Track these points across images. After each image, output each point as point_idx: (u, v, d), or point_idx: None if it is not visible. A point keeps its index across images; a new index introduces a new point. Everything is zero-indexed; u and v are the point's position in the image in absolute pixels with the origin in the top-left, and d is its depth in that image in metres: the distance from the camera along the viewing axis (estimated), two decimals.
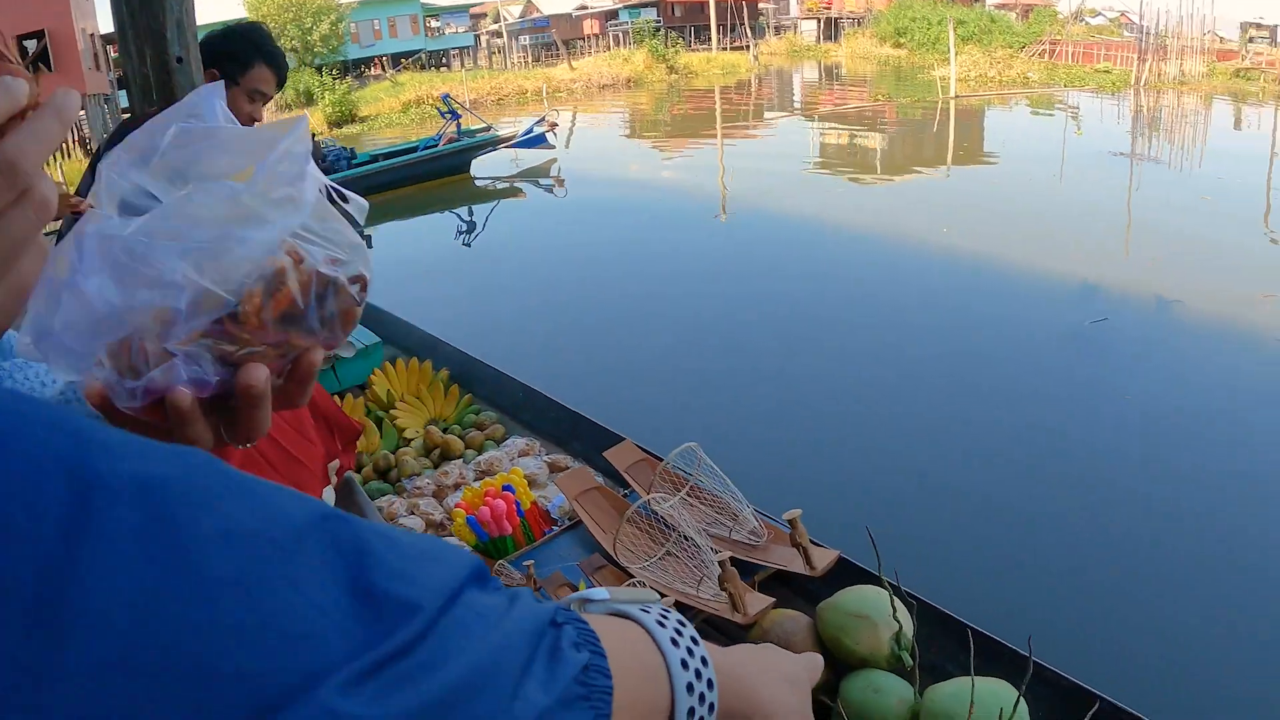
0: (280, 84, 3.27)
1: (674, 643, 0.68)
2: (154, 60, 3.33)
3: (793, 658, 0.86)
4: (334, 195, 0.67)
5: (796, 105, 30.13)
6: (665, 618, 0.71)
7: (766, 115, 26.85)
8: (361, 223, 0.67)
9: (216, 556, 0.45)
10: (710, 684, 0.69)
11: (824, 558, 2.52)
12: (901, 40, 48.12)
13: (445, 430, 4.35)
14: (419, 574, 0.52)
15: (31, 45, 28.44)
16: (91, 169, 3.09)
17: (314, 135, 17.26)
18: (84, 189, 3.07)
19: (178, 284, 0.55)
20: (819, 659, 0.91)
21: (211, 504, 0.46)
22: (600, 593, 0.73)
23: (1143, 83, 27.35)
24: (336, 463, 1.97)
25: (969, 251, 9.93)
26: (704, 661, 0.69)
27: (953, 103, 24.68)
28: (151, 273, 0.55)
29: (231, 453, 1.52)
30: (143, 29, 3.40)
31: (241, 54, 3.19)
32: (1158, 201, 12.17)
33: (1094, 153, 16.15)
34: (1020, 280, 8.94)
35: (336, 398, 4.59)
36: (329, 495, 1.99)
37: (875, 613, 2.28)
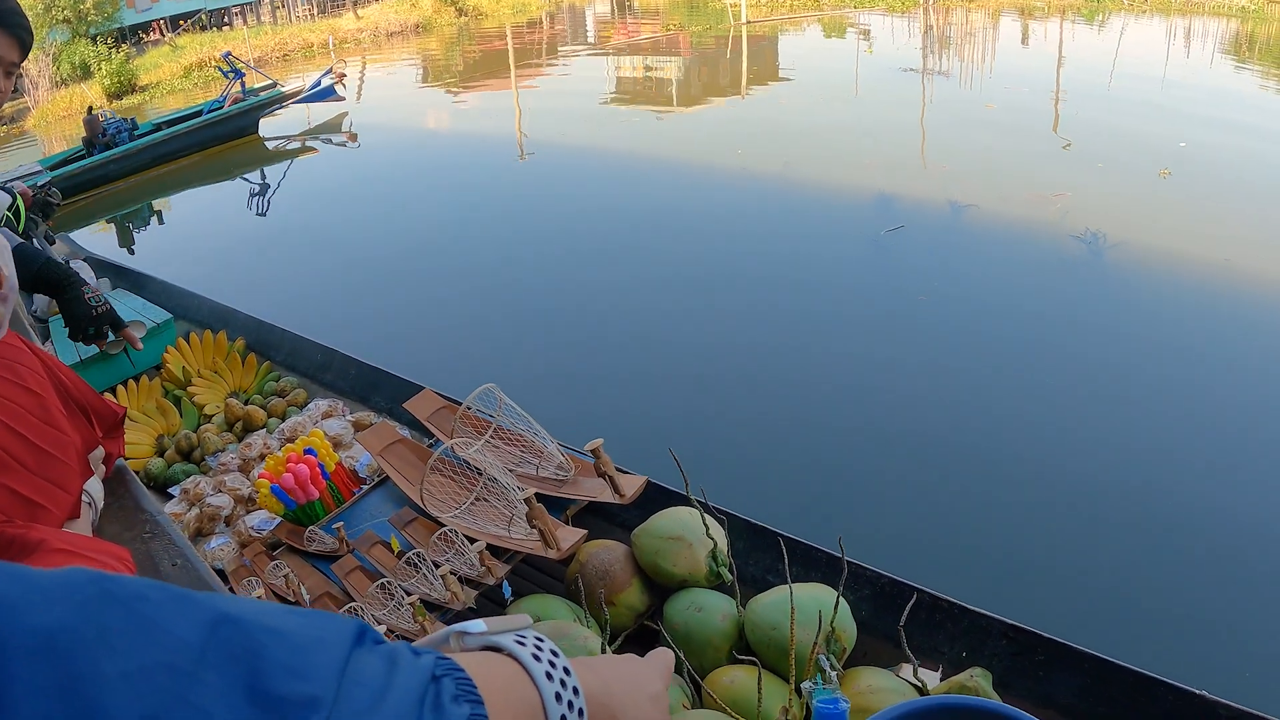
0: (23, 48, 3.02)
1: (548, 677, 0.71)
2: None
3: (651, 670, 0.89)
4: None
5: (590, 40, 29.96)
6: (539, 648, 0.73)
7: (560, 52, 26.62)
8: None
9: (124, 699, 0.46)
10: (581, 713, 0.72)
11: (632, 484, 2.51)
12: None
13: (246, 402, 4.21)
14: (310, 664, 0.53)
15: None
16: None
17: (91, 109, 16.43)
18: None
19: None
20: (670, 658, 0.95)
21: (111, 644, 0.47)
22: (477, 625, 0.74)
23: (931, 1, 28.04)
24: (100, 451, 1.84)
25: (767, 173, 10.06)
26: (575, 692, 0.72)
27: (745, 29, 24.88)
28: None
29: None
30: None
31: None
32: (950, 114, 12.53)
33: (886, 70, 16.51)
34: (818, 196, 9.11)
35: (132, 381, 4.38)
36: (95, 486, 1.87)
37: (689, 533, 2.28)
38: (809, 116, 13.23)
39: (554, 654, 0.73)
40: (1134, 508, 4.20)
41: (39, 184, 6.23)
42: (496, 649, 0.73)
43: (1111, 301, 6.19)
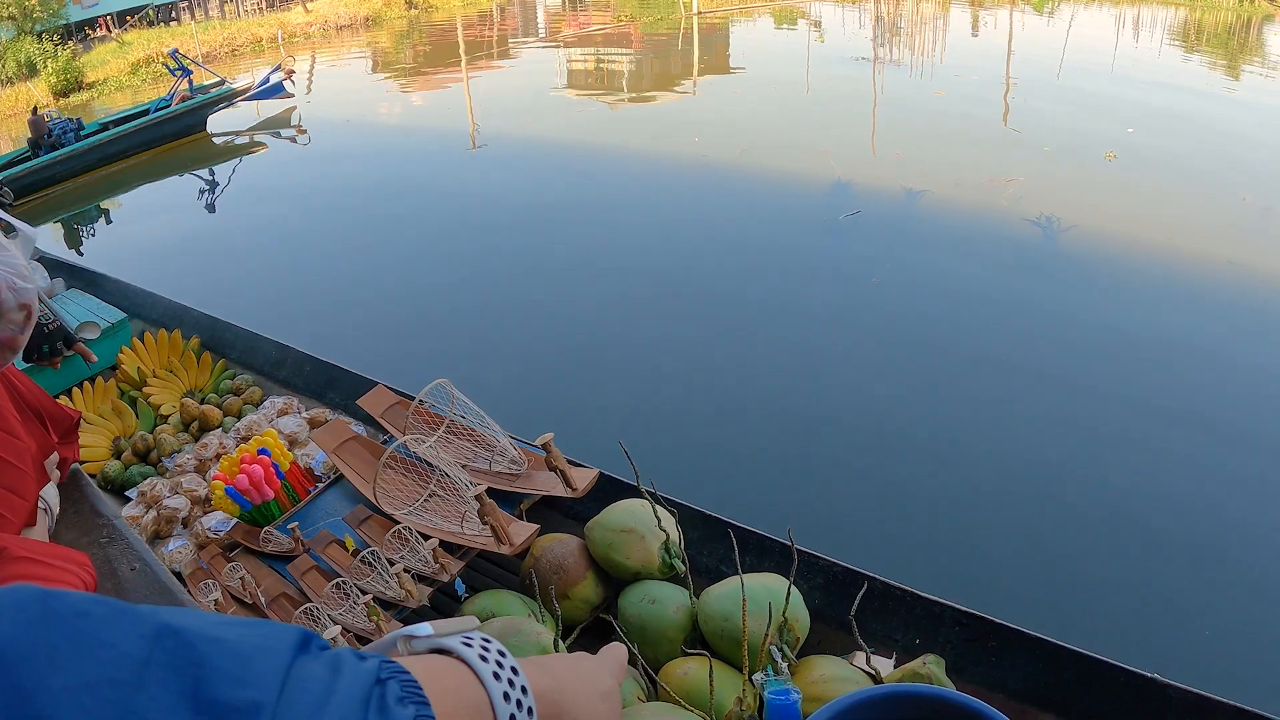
0: None
1: (495, 676, 0.72)
2: None
3: (603, 667, 0.90)
4: (6, 225, 0.66)
5: (541, 33, 29.88)
6: (486, 649, 0.74)
7: (511, 44, 26.51)
8: (28, 256, 0.65)
9: (69, 713, 0.47)
10: (530, 711, 0.73)
11: (584, 477, 2.52)
12: None
13: (202, 401, 4.18)
14: (251, 671, 0.54)
15: None
16: None
17: (36, 108, 16.19)
18: None
19: None
20: (623, 653, 0.96)
21: (55, 659, 0.48)
22: (424, 628, 0.75)
23: None
24: (55, 456, 1.84)
25: (721, 161, 10.09)
26: (524, 690, 0.73)
27: (696, 20, 24.90)
28: None
29: None
30: None
31: None
32: (901, 103, 12.62)
33: (838, 60, 16.60)
34: (773, 184, 9.15)
35: (87, 383, 4.34)
36: (51, 492, 1.86)
37: (641, 525, 2.29)
38: (762, 106, 13.29)
39: (501, 654, 0.74)
40: (1084, 493, 4.28)
41: None
42: (444, 651, 0.74)
43: (1064, 284, 6.28)
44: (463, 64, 22.70)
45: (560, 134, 12.92)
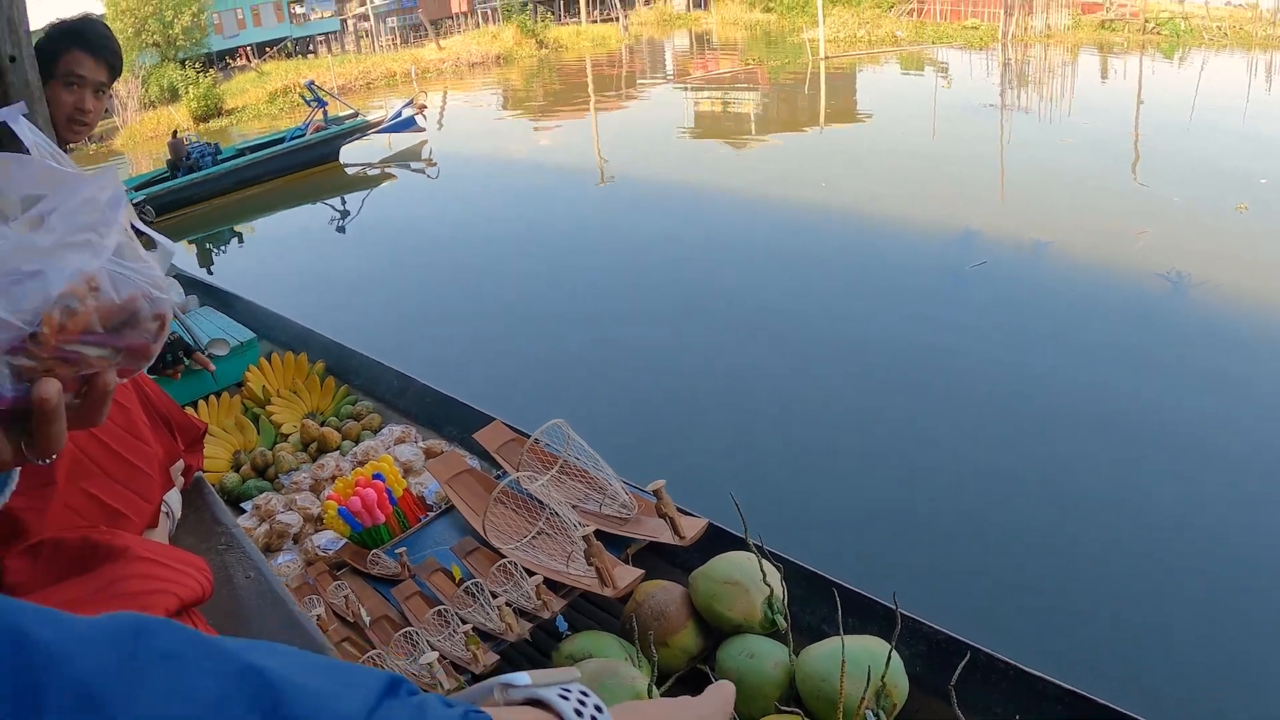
0: (111, 70, 3.14)
1: None
2: None
3: (709, 707, 0.87)
4: (148, 239, 0.70)
5: (669, 73, 30.16)
6: (583, 704, 0.73)
7: (640, 85, 26.83)
8: (165, 269, 0.69)
9: None
10: None
11: (693, 526, 2.52)
12: (770, 4, 48.35)
13: (323, 423, 4.29)
14: (330, 712, 0.55)
15: None
16: None
17: (176, 132, 16.87)
18: None
19: None
20: (730, 692, 0.92)
21: (141, 697, 0.50)
22: (522, 678, 0.74)
23: (1009, 37, 27.83)
24: (181, 464, 1.91)
25: (847, 207, 10.05)
26: None
27: (823, 64, 24.90)
28: None
29: (59, 462, 1.48)
30: None
31: (49, 45, 3.07)
32: (1028, 150, 12.46)
33: (964, 106, 16.46)
34: (897, 230, 9.08)
35: (214, 397, 4.49)
36: (174, 497, 1.93)
37: (746, 578, 2.28)
38: (888, 152, 13.21)
39: (598, 709, 0.73)
40: (1219, 566, 4.09)
41: (134, 201, 6.38)
42: (540, 702, 0.73)
43: (1194, 342, 6.08)
44: (591, 102, 23.04)
45: (686, 174, 13.00)
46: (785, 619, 2.26)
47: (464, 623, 2.42)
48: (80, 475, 1.33)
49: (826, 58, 25.66)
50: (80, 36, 3.06)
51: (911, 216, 9.45)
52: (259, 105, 36.94)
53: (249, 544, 1.86)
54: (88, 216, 0.67)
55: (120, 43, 3.19)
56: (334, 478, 3.66)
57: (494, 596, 2.44)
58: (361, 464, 3.67)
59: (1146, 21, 26.29)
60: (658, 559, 2.71)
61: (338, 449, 4.00)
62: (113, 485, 1.42)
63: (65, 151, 3.24)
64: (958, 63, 24.35)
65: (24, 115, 0.81)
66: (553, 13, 57.73)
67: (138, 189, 14.35)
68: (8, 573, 0.97)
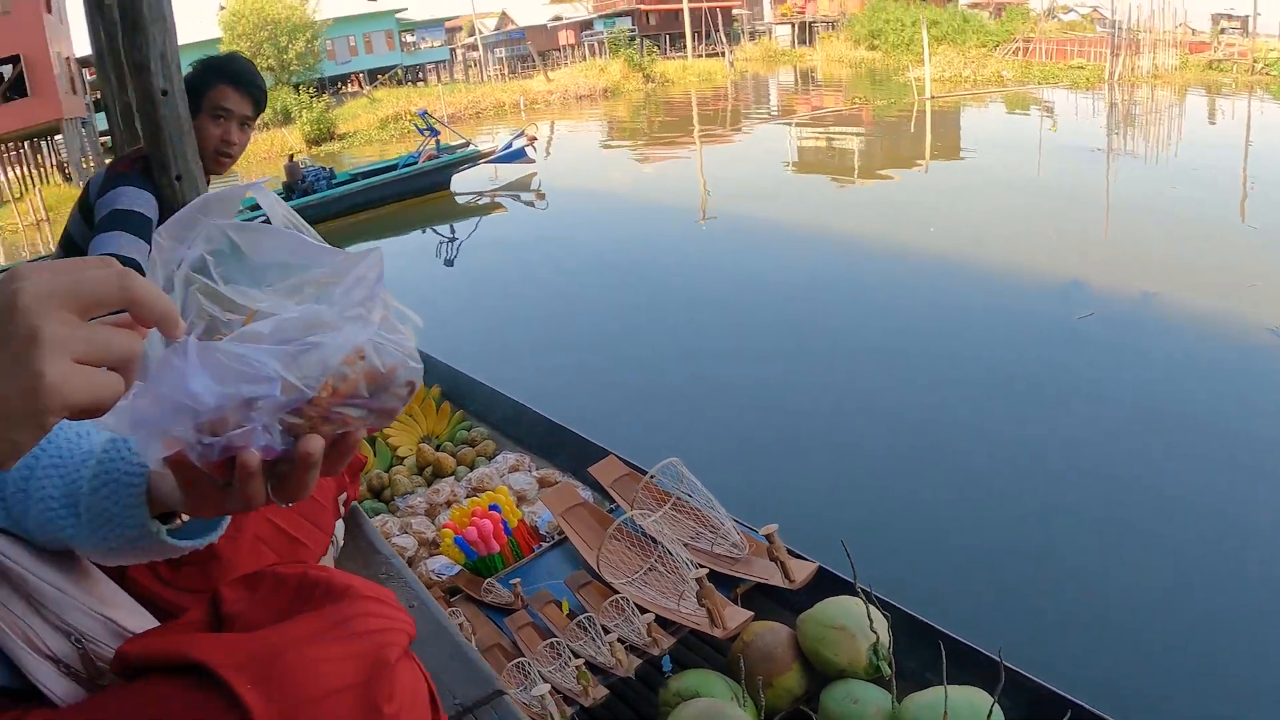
0: (256, 104, 3.31)
1: None
2: (139, 93, 3.37)
3: None
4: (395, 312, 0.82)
5: (773, 110, 30.23)
6: None
7: (744, 121, 26.94)
8: (414, 341, 0.81)
9: None
10: None
11: (803, 570, 2.58)
12: (876, 42, 48.23)
13: (438, 448, 4.40)
14: None
15: (7, 70, 28.42)
16: (81, 206, 3.14)
17: (292, 156, 17.34)
18: (75, 230, 3.12)
19: (270, 378, 0.71)
20: None
21: None
22: None
23: (1116, 78, 27.45)
24: (344, 494, 2.03)
25: (951, 251, 9.98)
26: None
27: (929, 103, 24.75)
28: (250, 371, 0.71)
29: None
30: (128, 60, 3.46)
31: (198, 80, 3.25)
32: (1135, 196, 12.25)
33: (1071, 149, 16.24)
34: (1002, 275, 8.99)
35: None
36: (339, 528, 2.04)
37: (853, 623, 2.33)
38: (993, 193, 13.10)
39: None
40: None
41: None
42: None
43: None
44: (696, 137, 23.19)
45: (789, 211, 13.02)
46: (890, 665, 2.31)
47: (575, 655, 2.50)
48: (266, 507, 1.44)
49: (932, 97, 25.49)
50: (228, 72, 3.24)
51: (1017, 262, 9.37)
52: (370, 131, 37.72)
53: (409, 574, 1.96)
54: (359, 293, 0.77)
55: None
56: (449, 503, 3.76)
57: (605, 631, 2.52)
58: (476, 491, 3.77)
59: (1255, 61, 25.80)
60: (766, 600, 2.76)
61: (452, 474, 4.10)
62: (293, 516, 1.53)
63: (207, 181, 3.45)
64: (1063, 104, 24.04)
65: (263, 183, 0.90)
66: (659, 47, 58.21)
67: (253, 210, 14.77)
68: (225, 602, 1.04)
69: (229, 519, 1.08)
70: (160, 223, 3.17)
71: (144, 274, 2.36)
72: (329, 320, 0.75)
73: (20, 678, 0.95)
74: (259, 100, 3.32)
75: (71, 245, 3.17)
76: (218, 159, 3.32)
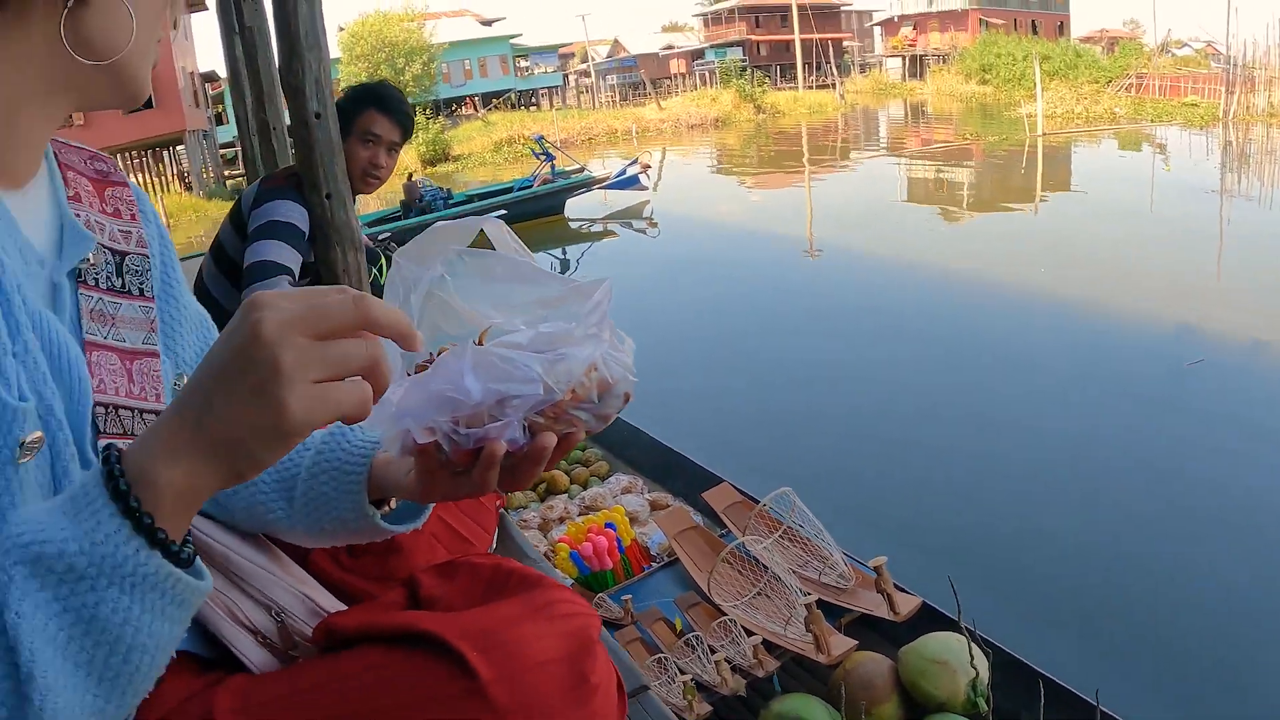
0: (404, 131, 3.51)
1: None
2: (294, 115, 3.60)
3: None
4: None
5: (883, 143, 30.11)
6: None
7: (854, 154, 26.89)
8: (631, 358, 0.95)
9: None
10: None
11: (907, 603, 2.66)
12: (987, 77, 47.85)
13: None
14: None
15: None
16: (234, 218, 3.36)
17: (411, 175, 17.76)
18: (226, 239, 3.35)
19: (533, 378, 0.85)
20: None
21: None
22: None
23: (1231, 116, 26.85)
24: (498, 501, 2.15)
25: (1060, 291, 9.89)
26: None
27: (1040, 140, 24.45)
28: (518, 373, 0.85)
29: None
30: (284, 84, 3.70)
31: (350, 105, 3.47)
32: (1250, 239, 12.02)
33: (1184, 189, 15.96)
34: (1113, 319, 8.89)
35: None
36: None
37: (954, 659, 2.41)
38: (1103, 233, 12.92)
39: None
40: None
41: (378, 237, 6.76)
42: None
43: None
44: (805, 169, 23.24)
45: (897, 245, 13.00)
46: (987, 703, 2.38)
47: (682, 672, 2.61)
48: (440, 506, 1.57)
49: (1044, 134, 25.15)
50: (378, 99, 3.44)
51: (1126, 304, 9.24)
52: (484, 153, 38.30)
53: (558, 575, 2.07)
54: (595, 316, 0.91)
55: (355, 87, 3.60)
56: (562, 519, 3.89)
57: (712, 651, 2.63)
58: (589, 509, 3.90)
59: None
60: (868, 630, 2.85)
61: (565, 492, 4.23)
62: (462, 516, 1.66)
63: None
64: (1176, 142, 23.56)
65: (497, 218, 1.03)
66: (769, 77, 58.30)
67: (370, 225, 15.14)
68: (423, 587, 1.16)
69: (431, 510, 1.20)
70: (310, 236, 3.40)
71: (295, 280, 2.59)
72: (574, 336, 0.89)
73: (213, 646, 1.06)
74: (407, 127, 3.52)
75: (221, 253, 3.39)
76: (365, 180, 3.52)
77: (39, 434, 0.84)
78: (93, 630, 0.67)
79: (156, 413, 1.01)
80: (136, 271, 1.05)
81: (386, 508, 1.15)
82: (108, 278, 1.01)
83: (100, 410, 0.94)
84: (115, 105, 0.99)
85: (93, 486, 0.69)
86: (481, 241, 0.98)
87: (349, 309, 0.71)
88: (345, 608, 1.22)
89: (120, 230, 1.06)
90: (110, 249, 1.03)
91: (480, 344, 0.91)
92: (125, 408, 0.98)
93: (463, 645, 0.92)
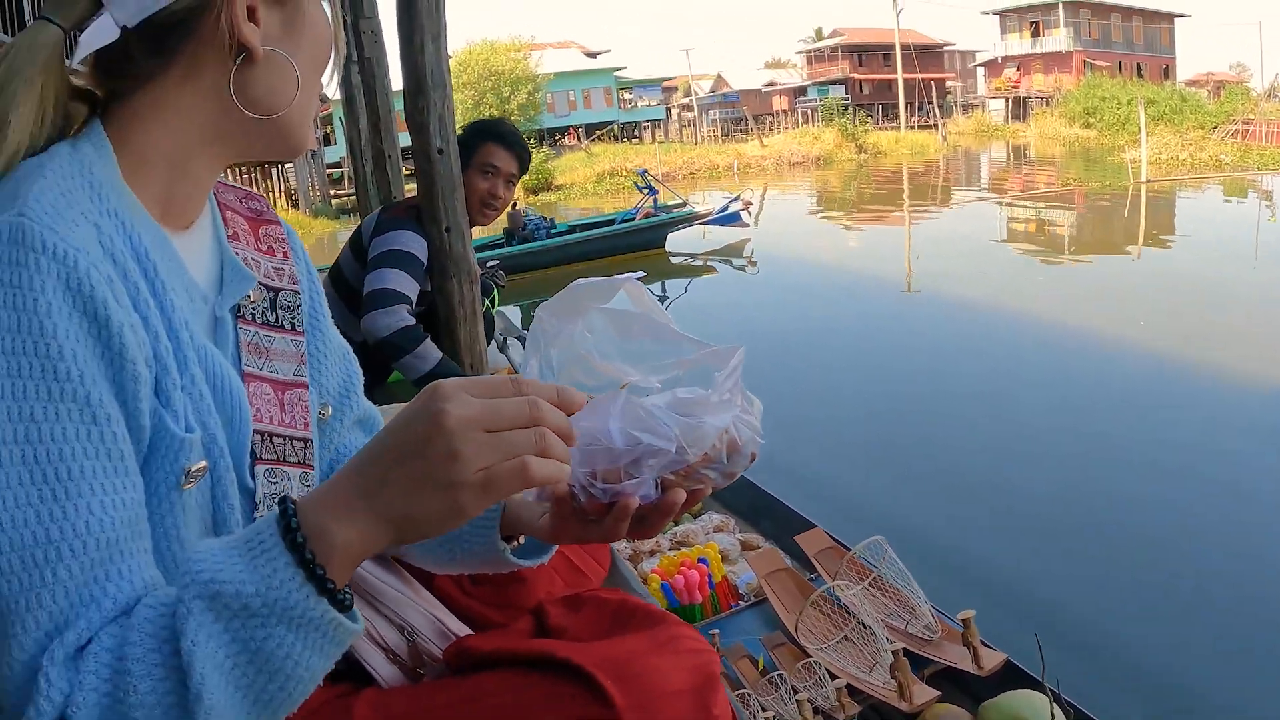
0: (521, 163, 3.66)
1: None
2: (418, 150, 3.78)
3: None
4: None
5: (984, 186, 29.81)
6: None
7: (954, 194, 26.68)
8: (759, 419, 1.02)
9: None
10: None
11: (992, 659, 2.70)
12: (1091, 120, 47.07)
13: None
14: None
15: None
16: (354, 246, 3.54)
17: (514, 204, 18.04)
18: (346, 265, 3.52)
19: (671, 438, 0.89)
20: None
21: None
22: None
23: None
24: None
25: (1159, 345, 9.74)
26: None
27: (1144, 188, 24.01)
28: (659, 429, 0.89)
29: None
30: (409, 120, 3.89)
31: (469, 138, 3.63)
32: None
33: None
34: (1214, 378, 8.74)
35: None
36: None
37: (1033, 716, 2.44)
38: (1206, 288, 12.67)
39: None
40: None
41: (488, 263, 6.91)
42: None
43: None
44: (905, 209, 23.13)
45: (994, 290, 12.89)
46: None
47: (763, 710, 2.67)
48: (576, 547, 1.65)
49: (1148, 181, 24.65)
50: (497, 133, 3.61)
51: (1227, 363, 9.05)
52: (586, 184, 38.52)
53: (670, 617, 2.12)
54: (729, 383, 0.96)
55: (461, 114, 3.74)
56: (653, 553, 3.96)
57: (795, 692, 2.69)
58: (680, 544, 3.97)
59: None
60: (951, 683, 2.87)
61: None
62: (579, 550, 1.73)
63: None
64: None
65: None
66: (871, 116, 58.10)
67: (477, 250, 15.35)
68: (550, 616, 1.23)
69: (556, 548, 1.26)
70: (428, 267, 3.57)
71: (412, 308, 2.75)
72: (710, 403, 0.95)
73: (342, 660, 1.17)
74: (524, 160, 3.68)
75: (340, 278, 3.57)
76: (483, 211, 3.68)
77: (203, 463, 0.93)
78: (257, 660, 0.77)
79: (305, 440, 1.11)
80: (289, 307, 1.14)
81: (515, 542, 1.21)
82: (264, 313, 1.10)
83: (257, 438, 1.03)
84: (277, 157, 1.10)
85: (268, 535, 0.79)
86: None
87: (523, 412, 0.80)
88: (470, 631, 1.29)
89: (274, 267, 1.15)
90: (266, 285, 1.12)
91: None
92: (278, 435, 1.07)
93: (598, 673, 0.98)
